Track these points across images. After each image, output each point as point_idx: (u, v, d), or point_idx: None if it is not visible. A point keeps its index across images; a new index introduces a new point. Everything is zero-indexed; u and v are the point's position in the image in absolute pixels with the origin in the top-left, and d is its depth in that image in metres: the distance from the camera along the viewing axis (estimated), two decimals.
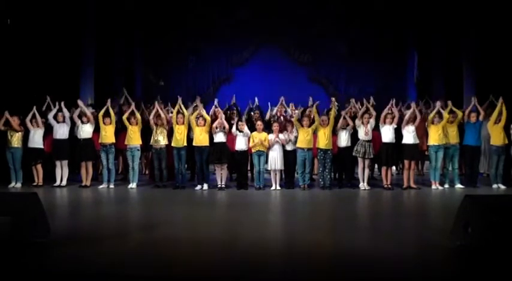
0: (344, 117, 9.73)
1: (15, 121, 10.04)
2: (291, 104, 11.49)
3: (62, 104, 10.20)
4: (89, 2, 13.67)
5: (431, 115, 9.76)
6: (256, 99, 11.43)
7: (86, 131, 10.06)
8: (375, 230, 6.48)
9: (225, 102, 11.59)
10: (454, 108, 10.01)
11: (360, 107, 10.17)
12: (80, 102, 10.36)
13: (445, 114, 9.74)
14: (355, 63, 17.12)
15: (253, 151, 9.77)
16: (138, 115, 10.06)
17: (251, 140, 9.71)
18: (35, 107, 10.13)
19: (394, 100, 10.00)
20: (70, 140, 10.22)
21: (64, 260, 4.97)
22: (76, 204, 8.84)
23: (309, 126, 9.64)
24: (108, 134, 9.95)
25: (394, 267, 4.73)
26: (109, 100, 10.27)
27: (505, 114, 9.57)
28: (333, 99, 11.08)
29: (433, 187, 9.70)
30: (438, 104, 9.96)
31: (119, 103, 11.26)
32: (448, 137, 9.80)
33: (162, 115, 9.95)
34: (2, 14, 11.35)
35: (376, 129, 9.84)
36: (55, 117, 10.16)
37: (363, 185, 9.65)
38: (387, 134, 9.59)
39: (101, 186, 10.00)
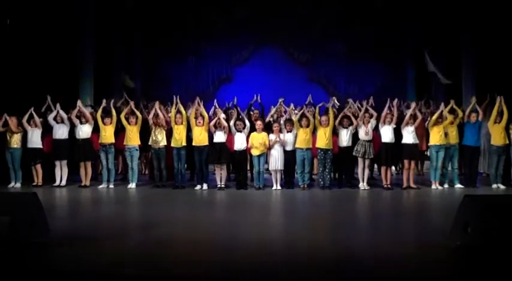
0: (347, 117, 9.73)
1: (13, 122, 10.04)
2: (291, 105, 11.46)
3: (58, 106, 10.17)
4: (89, 1, 13.67)
5: (435, 116, 9.69)
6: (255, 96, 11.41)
7: (84, 131, 10.06)
8: (375, 230, 6.48)
9: (225, 102, 11.61)
10: (456, 107, 10.01)
11: (359, 107, 10.19)
12: (79, 103, 10.35)
13: (448, 116, 9.71)
14: (355, 63, 17.13)
15: (253, 153, 9.76)
16: (138, 114, 10.06)
17: (250, 140, 9.71)
18: (32, 108, 10.12)
19: (396, 100, 9.99)
20: (70, 140, 10.22)
21: (63, 260, 4.96)
22: (76, 204, 8.84)
23: (308, 126, 9.63)
24: (107, 134, 9.95)
25: (394, 267, 4.73)
26: (104, 100, 10.31)
27: (506, 114, 9.57)
28: (334, 98, 11.12)
29: (433, 186, 9.70)
30: (443, 105, 9.94)
31: (115, 105, 11.24)
32: (448, 137, 9.79)
33: (161, 116, 9.93)
34: (2, 14, 11.34)
35: (375, 130, 9.85)
36: (54, 117, 10.16)
37: (363, 185, 9.65)
38: (387, 134, 9.59)
39: (100, 186, 10.00)
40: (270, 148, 9.69)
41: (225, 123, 9.71)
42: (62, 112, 10.15)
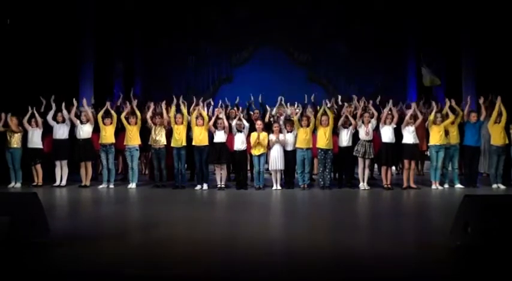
0: (347, 117, 9.73)
1: (13, 122, 10.04)
2: (289, 105, 11.49)
3: (63, 105, 10.20)
4: (89, 1, 13.67)
5: (432, 115, 9.72)
6: (252, 97, 11.45)
7: (85, 131, 10.05)
8: (375, 230, 6.49)
9: (225, 102, 11.64)
10: (456, 106, 10.01)
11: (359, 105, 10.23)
12: (84, 102, 10.37)
13: (451, 115, 9.70)
14: (355, 63, 17.14)
15: (253, 153, 9.76)
16: (138, 114, 10.06)
17: (251, 140, 9.71)
18: (34, 108, 10.13)
19: (391, 101, 9.95)
20: (70, 140, 10.23)
21: (63, 260, 4.97)
22: (76, 204, 8.85)
23: (308, 126, 9.63)
24: (108, 135, 9.95)
25: (394, 267, 4.73)
26: (108, 102, 10.36)
27: (505, 114, 9.57)
28: (339, 97, 11.21)
29: (433, 186, 9.69)
30: (447, 103, 9.92)
31: (116, 105, 11.25)
32: (449, 137, 9.79)
33: (165, 116, 9.98)
34: (2, 14, 11.34)
35: (376, 130, 9.84)
36: (55, 117, 10.16)
37: (363, 185, 9.64)
38: (387, 134, 9.58)
39: (100, 186, 10.00)
40: (269, 147, 9.68)
41: (226, 123, 9.71)
42: (65, 112, 10.15)
